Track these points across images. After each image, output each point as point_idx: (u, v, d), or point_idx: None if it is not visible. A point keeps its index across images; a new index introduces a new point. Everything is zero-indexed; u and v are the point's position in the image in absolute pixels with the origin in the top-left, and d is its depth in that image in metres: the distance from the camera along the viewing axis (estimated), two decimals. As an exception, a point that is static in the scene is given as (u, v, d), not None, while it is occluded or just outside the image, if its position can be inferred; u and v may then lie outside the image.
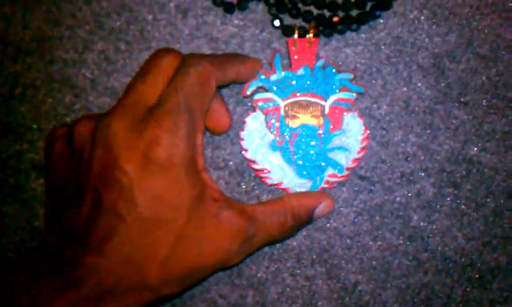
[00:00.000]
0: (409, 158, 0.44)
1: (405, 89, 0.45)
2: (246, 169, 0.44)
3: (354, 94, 0.44)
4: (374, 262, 0.44)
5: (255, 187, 0.44)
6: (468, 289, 0.44)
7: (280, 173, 0.43)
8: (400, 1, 0.46)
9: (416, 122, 0.45)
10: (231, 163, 0.45)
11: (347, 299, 0.44)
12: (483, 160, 0.45)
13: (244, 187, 0.44)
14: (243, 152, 0.44)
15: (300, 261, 0.44)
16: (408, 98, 0.45)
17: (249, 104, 0.45)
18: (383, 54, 0.45)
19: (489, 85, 0.45)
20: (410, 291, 0.44)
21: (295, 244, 0.44)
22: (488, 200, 0.44)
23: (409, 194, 0.44)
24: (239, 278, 0.44)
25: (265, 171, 0.43)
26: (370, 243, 0.44)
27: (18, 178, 0.45)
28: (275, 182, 0.43)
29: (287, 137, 0.43)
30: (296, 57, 0.44)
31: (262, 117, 0.44)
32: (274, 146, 0.43)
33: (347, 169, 0.43)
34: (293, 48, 0.44)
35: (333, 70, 0.44)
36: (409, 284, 0.44)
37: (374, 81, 0.45)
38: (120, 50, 0.46)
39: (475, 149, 0.45)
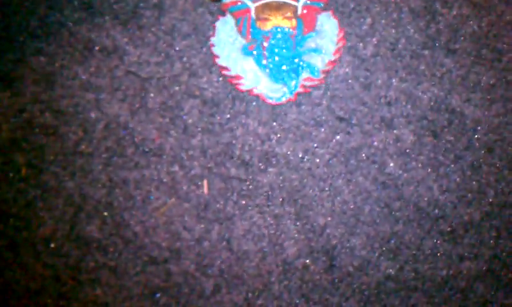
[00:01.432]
0: (391, 103, 0.43)
1: (393, 31, 0.43)
2: (222, 100, 0.43)
3: None
4: (344, 206, 0.43)
5: (230, 120, 0.43)
6: (438, 242, 0.43)
7: (253, 78, 0.41)
8: None
9: (402, 66, 0.43)
10: (207, 92, 0.43)
11: (314, 241, 0.43)
12: (466, 112, 0.43)
13: (218, 118, 0.43)
14: (215, 59, 0.42)
15: (270, 199, 0.43)
16: (395, 41, 0.43)
17: (219, 9, 0.43)
18: (374, -7, 0.43)
19: (480, 34, 0.43)
20: (379, 239, 0.43)
21: (265, 181, 0.43)
22: (468, 153, 0.43)
23: (388, 140, 0.43)
24: (205, 211, 0.42)
25: (238, 78, 0.42)
26: (343, 187, 0.43)
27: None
28: (248, 88, 0.42)
29: (258, 41, 0.41)
30: None
31: (232, 21, 0.42)
32: (246, 51, 0.41)
33: (323, 72, 0.42)
34: None
35: None
36: (378, 231, 0.43)
37: (362, 19, 0.43)
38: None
39: (459, 99, 0.43)
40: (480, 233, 0.43)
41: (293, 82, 0.41)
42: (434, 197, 0.43)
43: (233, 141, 0.42)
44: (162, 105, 0.43)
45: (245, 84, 0.41)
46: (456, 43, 0.43)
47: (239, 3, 0.41)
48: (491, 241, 0.43)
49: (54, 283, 0.42)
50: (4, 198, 0.42)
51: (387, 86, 0.43)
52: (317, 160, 0.43)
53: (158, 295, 0.42)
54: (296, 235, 0.42)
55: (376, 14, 0.43)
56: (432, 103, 0.43)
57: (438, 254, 0.43)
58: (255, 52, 0.41)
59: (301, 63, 0.41)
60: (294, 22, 0.41)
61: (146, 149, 0.42)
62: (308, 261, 0.42)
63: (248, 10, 0.41)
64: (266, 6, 0.41)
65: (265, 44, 0.41)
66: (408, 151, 0.43)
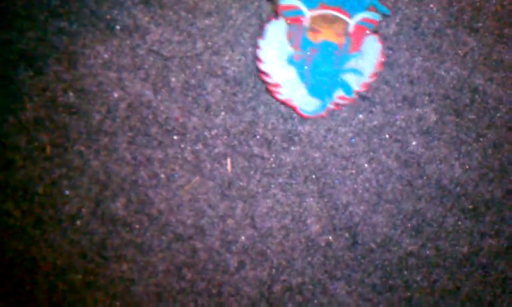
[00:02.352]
0: (413, 82, 0.43)
1: (416, 8, 0.43)
2: (244, 79, 0.43)
3: (379, 16, 0.41)
4: (367, 184, 0.43)
5: (252, 98, 0.43)
6: (460, 219, 0.43)
7: (291, 89, 0.41)
8: None
9: (425, 45, 0.43)
10: (229, 71, 0.43)
11: (337, 218, 0.43)
12: (488, 90, 0.43)
13: (241, 96, 0.43)
14: (258, 62, 0.41)
15: (292, 177, 0.43)
16: (418, 19, 0.43)
17: (273, 9, 0.42)
18: (397, -29, 0.43)
19: (503, 13, 0.43)
20: (401, 216, 0.43)
21: (288, 159, 0.43)
22: (489, 131, 0.43)
23: (410, 118, 0.43)
24: (229, 189, 0.43)
25: (277, 86, 0.41)
26: (365, 165, 0.43)
27: (6, 69, 0.43)
28: (285, 98, 0.41)
29: (306, 52, 0.41)
30: None
31: (284, 26, 0.40)
32: (291, 60, 0.41)
33: (356, 92, 0.42)
34: None
35: None
36: (400, 209, 0.43)
37: (384, -3, 0.43)
38: None
39: (482, 78, 0.43)
40: (502, 211, 0.43)
41: (328, 98, 0.41)
42: (456, 175, 0.43)
43: (256, 120, 0.43)
44: (184, 84, 0.43)
45: (283, 94, 0.41)
46: (478, 22, 0.43)
47: (296, 9, 0.40)
48: (512, 218, 0.43)
49: (81, 260, 0.42)
50: (30, 177, 0.43)
51: (410, 65, 0.43)
52: (340, 139, 0.43)
53: (183, 270, 0.42)
54: (319, 212, 0.43)
55: (399, -8, 0.42)
56: (454, 82, 0.43)
57: (460, 231, 0.43)
58: (299, 63, 0.40)
59: (339, 81, 0.41)
60: (343, 39, 0.40)
61: (170, 128, 0.43)
62: (330, 238, 0.43)
63: (303, 18, 0.40)
64: (321, 18, 0.40)
65: (311, 56, 0.40)
66: (430, 129, 0.43)
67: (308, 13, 0.40)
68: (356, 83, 0.41)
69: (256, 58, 0.41)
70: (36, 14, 0.43)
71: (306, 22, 0.40)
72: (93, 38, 0.43)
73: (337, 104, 0.41)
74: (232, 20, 0.43)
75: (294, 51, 0.41)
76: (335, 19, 0.40)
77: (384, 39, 0.43)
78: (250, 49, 0.43)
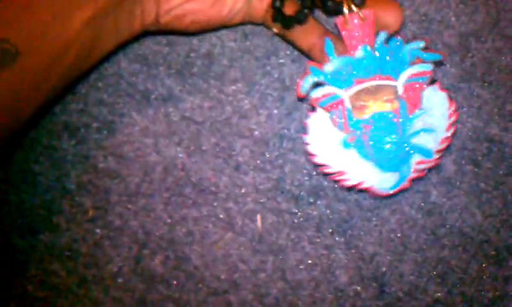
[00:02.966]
0: (431, 135, 0.45)
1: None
2: (270, 139, 0.46)
3: (431, 65, 0.37)
4: (392, 235, 0.45)
5: (279, 157, 0.46)
6: (484, 265, 0.45)
7: (360, 171, 0.38)
8: (429, -20, 0.46)
9: (440, 99, 0.45)
10: (256, 132, 0.46)
11: (364, 269, 0.45)
12: (504, 140, 0.45)
13: (268, 156, 0.46)
14: (312, 158, 0.38)
15: (320, 230, 0.45)
16: (432, 76, 0.45)
17: (308, 105, 0.40)
18: (410, 31, 0.46)
19: (514, 66, 0.45)
20: (427, 264, 0.45)
21: (315, 213, 0.45)
22: (507, 179, 0.45)
23: (430, 170, 0.45)
24: (260, 244, 0.45)
25: (342, 173, 0.38)
26: (390, 216, 0.45)
27: (51, 139, 0.47)
28: (356, 183, 0.38)
29: (359, 131, 0.37)
30: (350, 38, 0.36)
31: (326, 115, 0.37)
32: (346, 144, 0.37)
33: (437, 151, 0.38)
34: (345, 28, 0.36)
35: (399, 42, 0.37)
36: (426, 257, 0.45)
37: (399, 57, 0.46)
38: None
39: (497, 128, 0.45)
40: (525, 256, 0.45)
41: (405, 168, 0.38)
42: (477, 223, 0.45)
43: (283, 177, 0.45)
44: (215, 146, 0.46)
45: (351, 179, 0.38)
46: (491, 76, 0.45)
47: (330, 95, 0.37)
48: (536, 263, 0.44)
49: (123, 316, 0.45)
50: (74, 239, 0.46)
51: (427, 119, 0.45)
52: (363, 192, 0.45)
53: (220, 325, 0.44)
54: (347, 264, 0.45)
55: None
56: (471, 133, 0.45)
57: (484, 277, 0.45)
58: (356, 144, 0.37)
59: (412, 147, 0.37)
60: (396, 104, 0.36)
61: (203, 188, 0.46)
62: (359, 288, 0.45)
63: (341, 101, 0.37)
64: (361, 93, 0.37)
65: (367, 134, 0.37)
66: (450, 179, 0.45)
67: (344, 94, 0.37)
68: (434, 141, 0.37)
69: (307, 153, 0.39)
70: (78, 88, 0.47)
71: (346, 103, 0.37)
72: (130, 107, 0.47)
73: (418, 170, 0.38)
74: (257, 85, 0.46)
75: (345, 135, 0.37)
76: (378, 88, 0.36)
77: (401, 96, 0.46)
78: (275, 111, 0.46)
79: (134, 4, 0.38)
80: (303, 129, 0.40)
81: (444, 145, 0.38)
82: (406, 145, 0.37)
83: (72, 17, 0.34)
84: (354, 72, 0.36)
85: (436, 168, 0.45)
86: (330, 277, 0.45)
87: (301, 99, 0.42)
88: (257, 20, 0.42)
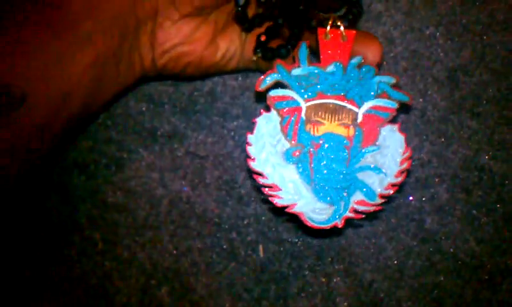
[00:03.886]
0: (424, 165, 0.47)
1: (421, 100, 0.48)
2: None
3: (396, 104, 0.35)
4: (389, 262, 0.47)
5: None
6: (478, 290, 0.46)
7: (294, 192, 0.35)
8: (418, 18, 0.49)
9: (431, 131, 0.48)
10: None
11: (363, 295, 0.47)
12: (494, 168, 0.47)
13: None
14: (249, 162, 0.35)
15: (320, 258, 0.47)
16: (423, 108, 0.48)
17: (264, 102, 0.37)
18: (401, 67, 0.48)
19: (500, 97, 0.48)
20: (423, 290, 0.47)
21: (315, 242, 0.47)
22: (498, 206, 0.47)
23: (424, 198, 0.47)
24: (262, 273, 0.47)
25: (276, 189, 0.35)
26: (386, 244, 0.47)
27: (62, 175, 0.49)
28: (286, 204, 0.35)
29: (306, 147, 0.35)
30: (326, 51, 0.35)
31: (278, 119, 0.35)
32: (289, 157, 0.35)
33: (381, 196, 0.35)
34: (324, 39, 0.35)
35: (371, 71, 0.35)
36: (422, 283, 0.47)
37: (391, 92, 0.48)
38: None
39: (487, 157, 0.47)
40: (518, 280, 0.46)
41: (342, 204, 0.34)
42: (471, 249, 0.47)
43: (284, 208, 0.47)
44: (218, 179, 0.48)
45: (283, 198, 0.34)
46: (479, 107, 0.48)
47: (289, 99, 0.34)
48: (529, 286, 0.46)
49: (131, 346, 0.46)
50: (84, 271, 0.48)
51: (419, 149, 0.47)
52: (357, 222, 0.47)
53: (225, 352, 0.46)
54: (346, 291, 0.47)
55: (404, 85, 0.48)
56: (462, 163, 0.47)
57: (479, 302, 0.46)
58: (300, 160, 0.35)
59: (355, 182, 0.34)
60: (351, 130, 0.34)
61: (207, 220, 0.48)
62: (358, 314, 0.46)
63: (299, 109, 0.34)
64: (320, 108, 0.35)
65: (314, 152, 0.35)
66: (443, 207, 0.47)
67: (304, 104, 0.34)
68: (380, 184, 0.34)
69: (247, 157, 0.35)
70: (87, 126, 0.50)
71: (303, 113, 0.34)
72: (137, 144, 0.49)
73: (356, 211, 0.35)
74: (257, 121, 0.48)
75: (291, 147, 0.35)
76: (338, 109, 0.34)
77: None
78: (275, 145, 0.48)
79: (132, 50, 0.40)
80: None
81: (390, 192, 0.35)
82: (349, 178, 0.34)
83: (74, 61, 0.36)
84: (320, 85, 0.34)
85: (429, 197, 0.47)
86: (330, 305, 0.46)
87: (259, 97, 0.40)
88: (251, 65, 0.44)
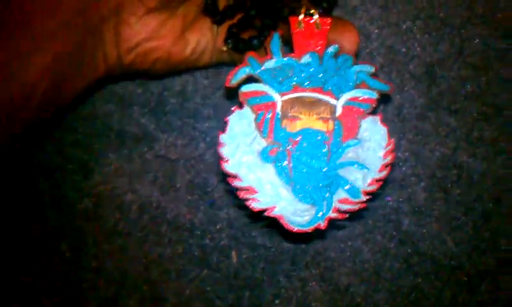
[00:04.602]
0: (401, 164, 0.46)
1: (398, 96, 0.46)
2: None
3: (376, 94, 0.33)
4: (365, 265, 0.46)
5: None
6: (457, 291, 0.45)
7: (272, 194, 0.33)
8: (394, 12, 0.47)
9: (408, 128, 0.46)
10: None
11: (339, 300, 0.45)
12: (472, 166, 0.46)
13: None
14: (222, 164, 0.33)
15: (295, 263, 0.46)
16: (400, 105, 0.46)
17: (237, 99, 0.35)
18: (377, 63, 0.47)
19: (479, 93, 0.46)
20: (401, 293, 0.45)
21: (290, 246, 0.46)
22: (477, 205, 0.46)
23: (401, 199, 0.46)
24: (236, 279, 0.46)
25: (252, 191, 0.33)
26: (363, 246, 0.46)
27: (28, 182, 0.47)
28: (264, 207, 0.33)
29: (283, 145, 0.33)
30: (300, 41, 0.33)
31: (252, 116, 0.33)
32: (265, 156, 0.33)
33: (365, 193, 0.33)
34: (297, 28, 0.33)
35: (349, 60, 0.33)
36: (399, 286, 0.46)
37: (366, 90, 0.47)
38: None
39: (465, 155, 0.46)
40: (495, 280, 0.45)
41: (324, 203, 0.32)
42: (449, 250, 0.46)
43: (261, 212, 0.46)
44: (189, 183, 0.46)
45: (260, 201, 0.32)
46: (457, 103, 0.46)
47: (262, 94, 0.32)
48: (507, 286, 0.45)
49: (102, 357, 0.45)
50: (51, 281, 0.46)
51: (396, 148, 0.46)
52: (337, 223, 0.46)
53: None
54: (322, 296, 0.45)
55: (380, 82, 0.46)
56: (440, 161, 0.46)
57: (457, 304, 0.45)
58: (277, 159, 0.33)
59: (337, 179, 0.32)
60: (330, 124, 0.32)
61: (178, 225, 0.46)
62: (335, 319, 0.45)
63: (273, 104, 0.32)
64: (297, 102, 0.32)
65: (292, 150, 0.32)
66: (420, 207, 0.46)
67: (279, 98, 0.32)
68: (363, 180, 0.32)
69: (219, 158, 0.33)
70: (53, 129, 0.48)
71: (278, 108, 0.32)
72: (106, 147, 0.47)
73: (339, 210, 0.33)
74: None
75: (267, 144, 0.32)
76: (315, 102, 0.32)
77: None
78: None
79: (95, 48, 0.38)
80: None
81: (373, 188, 0.33)
82: (331, 175, 0.32)
83: (31, 62, 0.35)
84: (295, 78, 0.32)
85: (407, 197, 0.46)
86: (306, 310, 0.45)
87: (230, 94, 0.39)
88: (225, 59, 0.42)
